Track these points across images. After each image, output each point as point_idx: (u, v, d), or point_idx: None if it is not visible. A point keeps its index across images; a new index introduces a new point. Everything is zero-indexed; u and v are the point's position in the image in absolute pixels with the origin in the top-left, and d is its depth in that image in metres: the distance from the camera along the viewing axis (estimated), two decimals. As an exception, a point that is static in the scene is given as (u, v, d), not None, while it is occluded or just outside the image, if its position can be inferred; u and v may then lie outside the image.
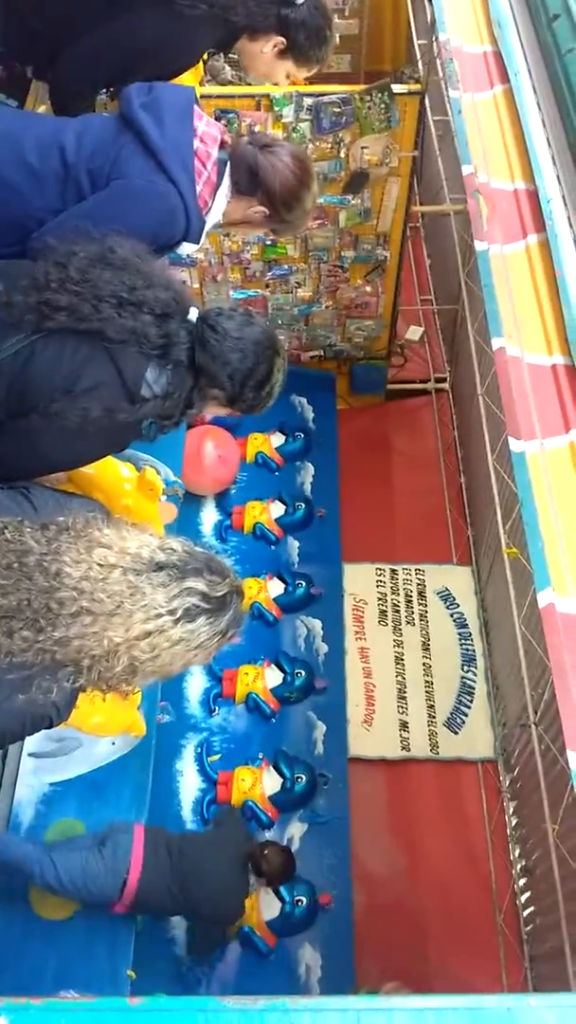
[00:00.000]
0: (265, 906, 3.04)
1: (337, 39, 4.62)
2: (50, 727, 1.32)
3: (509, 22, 2.50)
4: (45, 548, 1.22)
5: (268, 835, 3.19)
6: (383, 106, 3.24)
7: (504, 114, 2.32)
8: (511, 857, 3.27)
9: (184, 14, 1.97)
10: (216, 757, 3.31)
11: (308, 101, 3.20)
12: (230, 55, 2.41)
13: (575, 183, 2.09)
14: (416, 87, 3.27)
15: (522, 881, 3.19)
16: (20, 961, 2.30)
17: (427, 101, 3.38)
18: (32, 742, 2.41)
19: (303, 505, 3.99)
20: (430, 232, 4.84)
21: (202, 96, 2.97)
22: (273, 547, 3.87)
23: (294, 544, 3.90)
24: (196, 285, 3.85)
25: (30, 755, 2.44)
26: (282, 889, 3.05)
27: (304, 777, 3.31)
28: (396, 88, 3.22)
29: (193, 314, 1.66)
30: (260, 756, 3.33)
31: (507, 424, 1.79)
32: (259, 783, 3.26)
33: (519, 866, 3.22)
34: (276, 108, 3.21)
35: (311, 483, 4.10)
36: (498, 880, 3.24)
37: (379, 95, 3.22)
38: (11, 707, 1.21)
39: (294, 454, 4.16)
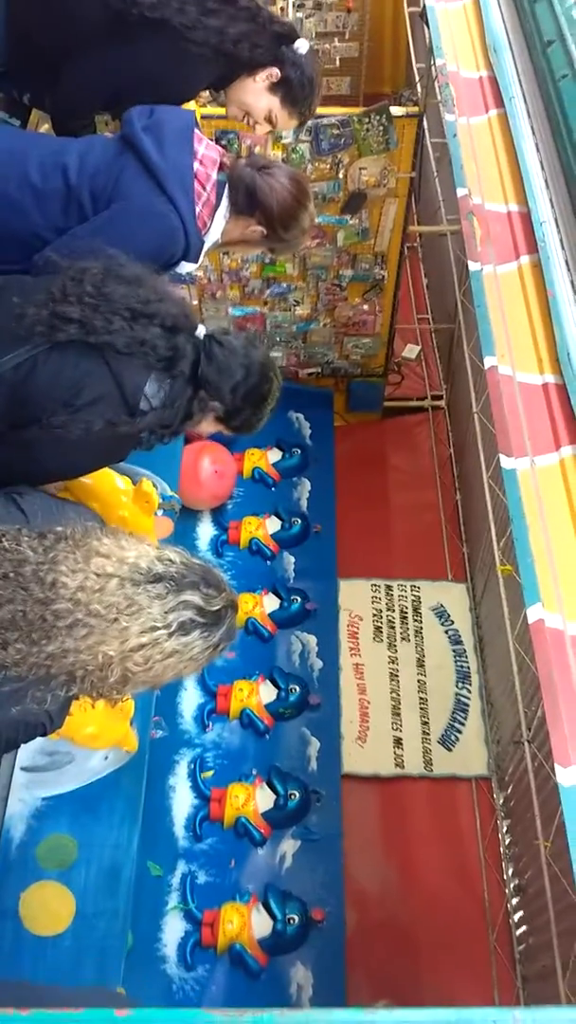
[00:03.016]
0: (256, 925, 3.02)
1: (337, 62, 4.77)
2: (44, 735, 1.33)
3: (504, 48, 2.54)
4: (42, 557, 1.21)
5: (260, 852, 3.18)
6: (381, 128, 3.29)
7: (499, 138, 2.36)
8: (504, 875, 3.26)
9: (187, 51, 2.02)
10: (209, 773, 3.30)
11: (307, 123, 3.24)
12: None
13: (567, 205, 2.13)
14: (414, 110, 3.32)
15: (515, 900, 3.18)
16: (9, 976, 2.28)
17: (425, 123, 3.43)
18: (24, 756, 2.40)
19: (299, 521, 4.00)
20: (427, 252, 4.89)
21: (203, 117, 3.02)
22: (269, 562, 3.88)
23: (290, 559, 3.91)
24: (196, 302, 3.88)
25: (23, 769, 2.43)
26: (274, 907, 3.04)
27: (297, 794, 3.30)
28: (394, 111, 3.27)
29: (200, 331, 1.70)
30: (253, 772, 3.33)
31: (498, 441, 1.81)
32: (252, 800, 3.25)
33: (512, 885, 3.21)
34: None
35: (307, 499, 4.12)
36: (491, 899, 3.22)
37: (378, 117, 3.27)
38: (5, 718, 1.21)
39: (291, 470, 4.18)
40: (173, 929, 2.98)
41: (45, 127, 2.43)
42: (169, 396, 1.67)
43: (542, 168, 2.23)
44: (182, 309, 1.69)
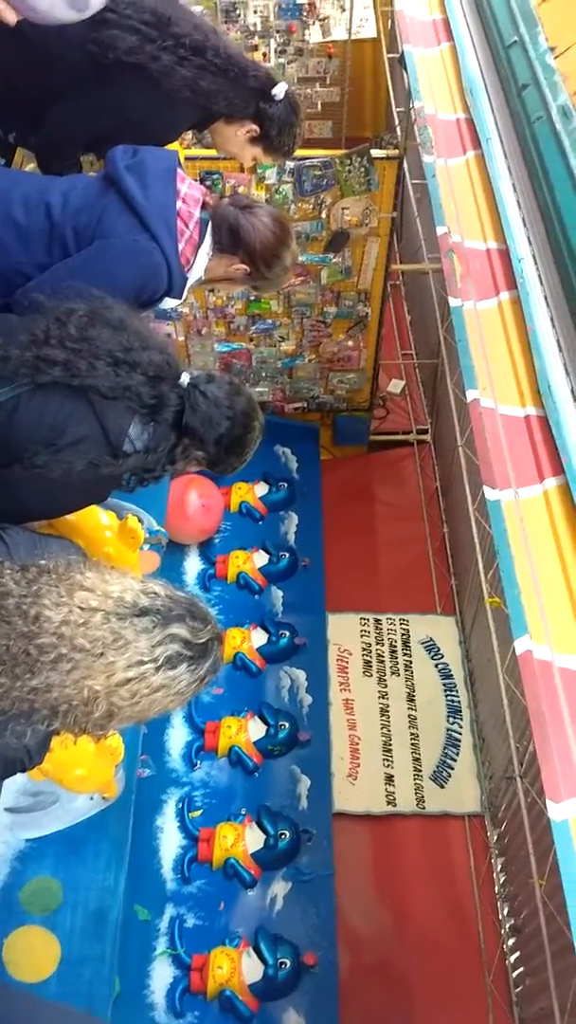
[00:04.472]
0: (247, 969, 2.95)
1: (319, 106, 4.88)
2: (23, 771, 1.30)
3: (481, 91, 2.61)
4: (25, 590, 1.20)
5: (251, 894, 3.12)
6: (363, 170, 3.36)
7: (476, 178, 2.42)
8: (500, 915, 3.20)
9: (165, 96, 2.07)
10: (198, 813, 3.24)
11: (290, 164, 3.31)
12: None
13: (544, 242, 2.17)
14: (394, 152, 3.40)
15: (511, 940, 3.12)
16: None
17: (405, 165, 3.51)
18: (8, 797, 2.36)
19: (287, 555, 4.00)
20: (410, 289, 4.97)
21: (187, 158, 3.07)
22: (257, 596, 3.86)
23: (278, 594, 3.90)
24: (181, 338, 3.92)
25: (6, 810, 2.39)
26: (264, 951, 2.97)
27: (288, 833, 3.24)
28: (375, 153, 3.35)
29: (184, 379, 1.71)
30: (243, 812, 3.27)
31: (482, 473, 1.83)
32: (241, 840, 3.19)
33: (508, 924, 3.15)
34: (259, 170, 3.32)
35: (295, 533, 4.12)
36: (487, 939, 3.16)
37: (359, 159, 3.35)
38: (-16, 753, 1.19)
39: (278, 504, 4.19)
40: (162, 975, 2.91)
41: (31, 166, 2.47)
42: (153, 439, 1.68)
43: (519, 207, 2.28)
44: (165, 357, 1.69)
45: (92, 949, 2.28)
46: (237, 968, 2.92)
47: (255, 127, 2.22)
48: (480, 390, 1.95)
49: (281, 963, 2.96)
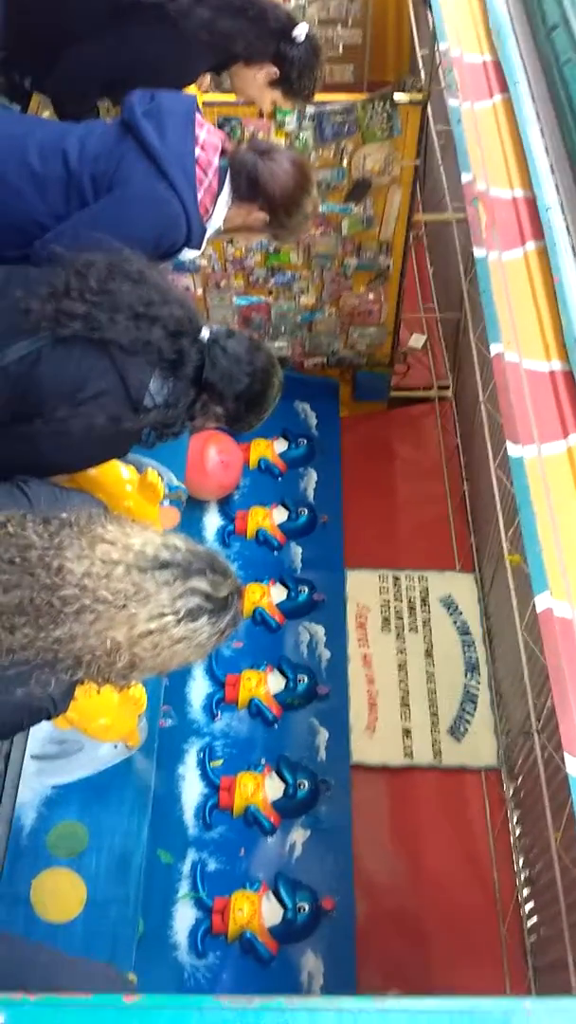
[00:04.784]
0: (267, 913, 3.03)
1: (340, 49, 4.73)
2: (48, 719, 1.33)
3: (508, 32, 2.52)
4: (47, 543, 1.21)
5: (270, 841, 3.20)
6: (385, 115, 3.27)
7: (503, 123, 2.34)
8: (515, 867, 3.25)
9: (183, 38, 2.02)
10: (219, 762, 3.31)
11: (311, 110, 3.23)
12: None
13: (573, 191, 2.11)
14: (418, 96, 3.29)
15: (526, 891, 3.17)
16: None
17: (429, 110, 3.40)
18: (34, 744, 2.42)
19: (306, 511, 4.00)
20: (433, 241, 4.86)
21: (205, 104, 3.00)
22: (276, 552, 3.88)
23: (297, 550, 3.91)
24: (200, 291, 3.87)
25: (33, 757, 2.45)
26: (284, 896, 3.05)
27: (306, 783, 3.30)
28: (398, 97, 3.25)
29: (205, 334, 1.70)
30: (263, 762, 3.33)
31: (505, 429, 1.80)
32: (261, 789, 3.26)
33: (523, 876, 3.21)
34: (279, 116, 3.24)
35: (314, 489, 4.12)
36: (502, 890, 3.22)
37: (381, 104, 3.25)
38: (10, 701, 1.22)
39: (297, 460, 4.18)
40: (184, 917, 3.00)
41: (47, 113, 2.43)
42: (172, 395, 1.67)
43: (547, 153, 2.21)
44: (185, 311, 1.68)
45: (117, 891, 2.36)
46: (257, 911, 3.01)
47: (275, 70, 2.17)
48: (504, 344, 1.91)
49: (300, 907, 3.04)
